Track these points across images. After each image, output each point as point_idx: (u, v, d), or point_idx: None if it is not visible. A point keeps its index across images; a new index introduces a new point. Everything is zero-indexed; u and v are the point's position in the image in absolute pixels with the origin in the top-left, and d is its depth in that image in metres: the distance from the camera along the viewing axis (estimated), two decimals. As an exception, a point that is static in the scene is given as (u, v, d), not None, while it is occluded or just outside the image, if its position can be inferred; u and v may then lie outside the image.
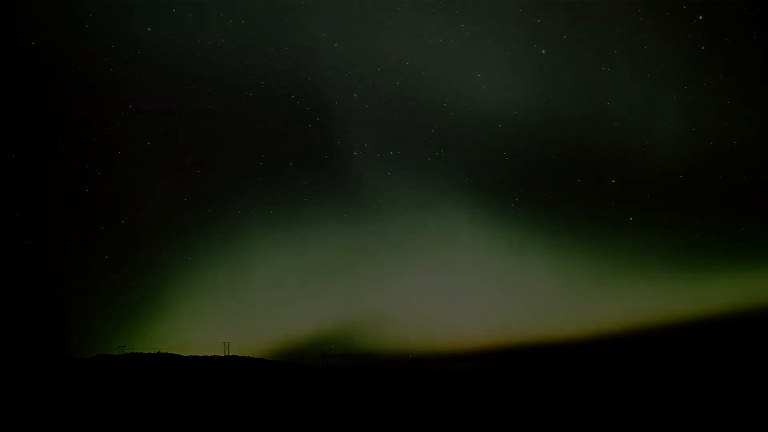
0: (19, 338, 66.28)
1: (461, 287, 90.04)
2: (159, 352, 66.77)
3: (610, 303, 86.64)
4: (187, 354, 67.19)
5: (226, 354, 70.75)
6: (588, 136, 78.63)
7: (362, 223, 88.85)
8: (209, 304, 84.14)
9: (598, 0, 70.79)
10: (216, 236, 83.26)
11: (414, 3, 71.98)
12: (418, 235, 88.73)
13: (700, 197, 77.71)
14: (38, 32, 66.71)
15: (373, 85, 76.61)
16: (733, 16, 68.03)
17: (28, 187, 70.43)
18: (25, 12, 65.97)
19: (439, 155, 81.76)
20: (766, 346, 59.19)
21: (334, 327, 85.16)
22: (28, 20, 66.42)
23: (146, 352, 66.80)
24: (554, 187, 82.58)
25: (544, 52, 72.98)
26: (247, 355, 70.84)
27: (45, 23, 66.95)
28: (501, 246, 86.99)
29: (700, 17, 67.82)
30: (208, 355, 68.74)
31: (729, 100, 72.53)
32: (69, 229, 73.81)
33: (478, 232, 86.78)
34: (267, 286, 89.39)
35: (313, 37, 74.44)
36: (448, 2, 71.91)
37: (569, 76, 75.39)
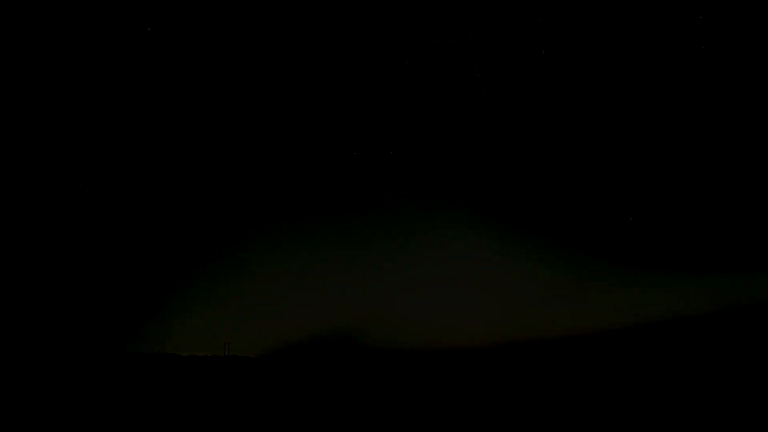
0: (19, 338, 66.28)
1: (460, 286, 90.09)
2: (159, 352, 66.81)
3: (610, 302, 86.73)
4: (187, 354, 67.24)
5: (226, 354, 70.78)
6: (588, 136, 78.78)
7: (362, 223, 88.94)
8: (209, 304, 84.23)
9: (597, 0, 70.91)
10: (216, 236, 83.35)
11: (414, 3, 72.12)
12: (418, 234, 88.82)
13: (701, 197, 77.83)
14: (39, 32, 66.84)
15: (373, 86, 76.77)
16: (733, 16, 68.12)
17: (28, 187, 70.49)
18: (25, 12, 66.02)
19: (438, 155, 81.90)
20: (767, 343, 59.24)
21: (334, 326, 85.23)
22: (29, 20, 66.50)
23: (146, 352, 66.86)
24: (554, 186, 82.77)
25: (544, 52, 73.12)
26: (247, 355, 70.92)
27: (45, 23, 67.04)
28: (500, 245, 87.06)
29: (700, 17, 67.95)
30: (208, 355, 68.78)
31: (729, 99, 72.68)
32: (69, 229, 73.90)
33: (478, 231, 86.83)
34: (267, 286, 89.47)
35: (315, 37, 74.60)
36: (448, 2, 72.05)
37: (569, 76, 75.53)
